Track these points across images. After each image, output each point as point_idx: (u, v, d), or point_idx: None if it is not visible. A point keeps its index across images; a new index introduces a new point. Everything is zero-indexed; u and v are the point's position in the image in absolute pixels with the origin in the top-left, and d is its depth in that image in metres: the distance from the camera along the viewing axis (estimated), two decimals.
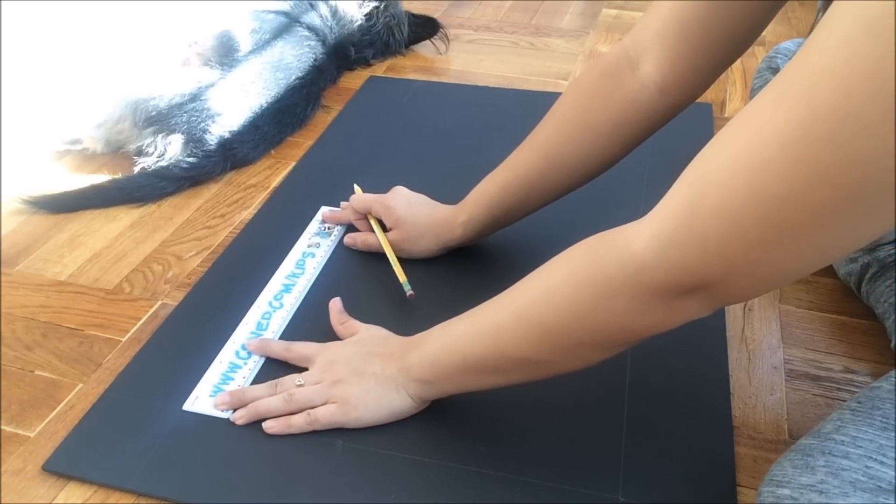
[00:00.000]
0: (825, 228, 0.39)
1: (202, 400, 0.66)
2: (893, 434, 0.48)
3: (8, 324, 0.76)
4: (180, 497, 0.59)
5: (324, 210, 0.90)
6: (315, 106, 1.13)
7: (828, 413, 0.54)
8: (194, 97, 0.98)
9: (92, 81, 1.00)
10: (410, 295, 0.75)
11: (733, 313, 0.76)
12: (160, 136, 0.98)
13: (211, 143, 0.98)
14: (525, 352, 0.54)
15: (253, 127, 1.02)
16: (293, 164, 1.02)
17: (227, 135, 0.99)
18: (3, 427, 0.65)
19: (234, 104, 1.01)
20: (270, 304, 0.77)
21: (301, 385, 0.64)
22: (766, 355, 0.72)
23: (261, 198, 0.95)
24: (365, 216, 0.84)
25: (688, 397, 0.66)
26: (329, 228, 0.88)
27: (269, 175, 1.00)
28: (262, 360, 0.70)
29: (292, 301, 0.77)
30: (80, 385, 0.69)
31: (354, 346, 0.67)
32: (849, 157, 0.36)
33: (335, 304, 0.73)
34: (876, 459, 0.47)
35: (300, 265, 0.82)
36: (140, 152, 0.99)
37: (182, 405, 0.65)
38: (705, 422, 0.64)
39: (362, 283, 0.80)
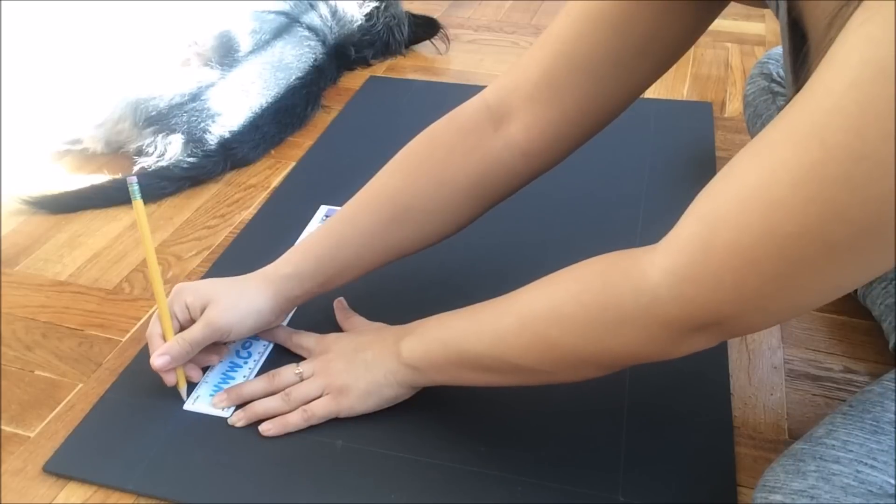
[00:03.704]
0: (840, 264, 0.39)
1: (203, 399, 0.66)
2: (884, 438, 0.49)
3: (8, 324, 0.76)
4: (180, 497, 0.59)
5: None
6: (315, 106, 1.13)
7: (828, 413, 0.54)
8: (194, 97, 0.98)
9: (92, 81, 1.00)
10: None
11: None
12: (160, 136, 0.98)
13: (211, 143, 0.98)
14: (525, 360, 0.54)
15: (253, 127, 1.02)
16: (293, 164, 1.02)
17: (227, 135, 0.99)
18: (3, 427, 0.65)
19: (234, 104, 1.01)
20: None
21: (299, 373, 0.65)
22: (766, 355, 0.72)
23: (261, 198, 0.95)
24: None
25: (688, 397, 0.66)
26: None
27: (269, 175, 1.00)
28: (262, 359, 0.70)
29: None
30: (80, 385, 0.69)
31: (351, 334, 0.68)
32: (864, 197, 0.36)
33: (340, 303, 0.74)
34: (867, 464, 0.47)
35: None
36: (140, 152, 0.99)
37: (182, 405, 0.66)
38: (705, 422, 0.64)
39: (360, 283, 0.80)
